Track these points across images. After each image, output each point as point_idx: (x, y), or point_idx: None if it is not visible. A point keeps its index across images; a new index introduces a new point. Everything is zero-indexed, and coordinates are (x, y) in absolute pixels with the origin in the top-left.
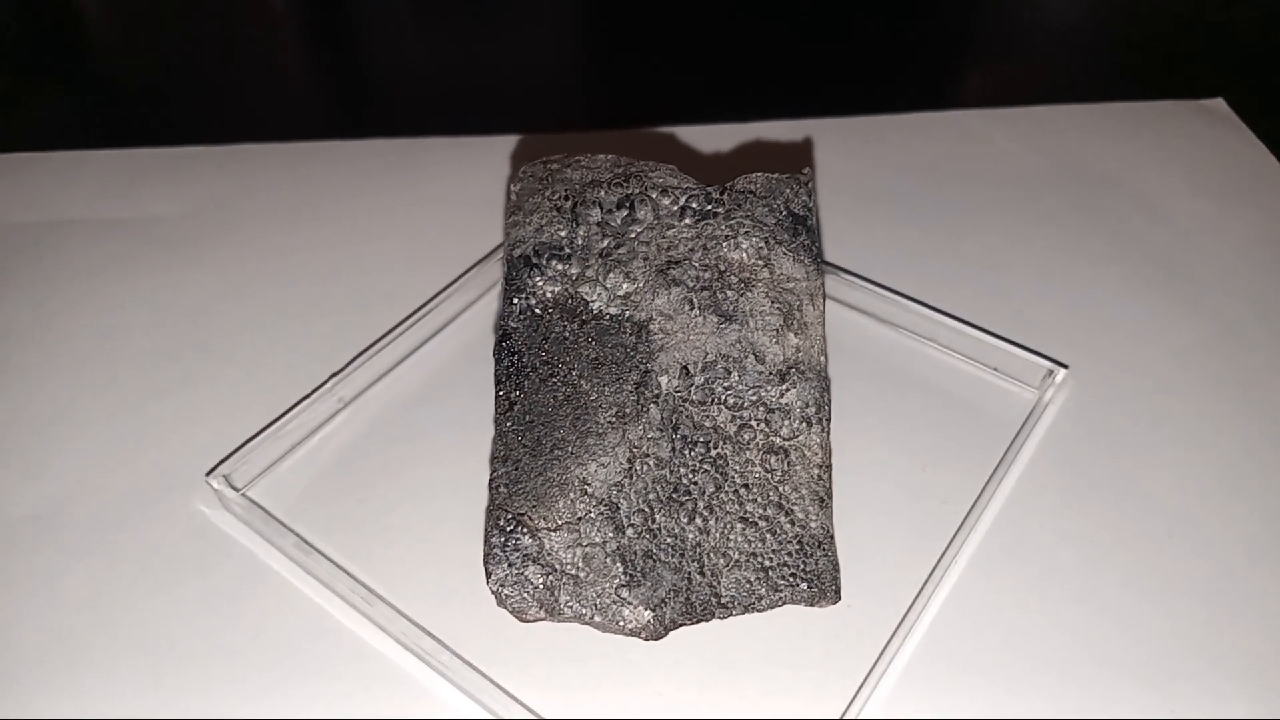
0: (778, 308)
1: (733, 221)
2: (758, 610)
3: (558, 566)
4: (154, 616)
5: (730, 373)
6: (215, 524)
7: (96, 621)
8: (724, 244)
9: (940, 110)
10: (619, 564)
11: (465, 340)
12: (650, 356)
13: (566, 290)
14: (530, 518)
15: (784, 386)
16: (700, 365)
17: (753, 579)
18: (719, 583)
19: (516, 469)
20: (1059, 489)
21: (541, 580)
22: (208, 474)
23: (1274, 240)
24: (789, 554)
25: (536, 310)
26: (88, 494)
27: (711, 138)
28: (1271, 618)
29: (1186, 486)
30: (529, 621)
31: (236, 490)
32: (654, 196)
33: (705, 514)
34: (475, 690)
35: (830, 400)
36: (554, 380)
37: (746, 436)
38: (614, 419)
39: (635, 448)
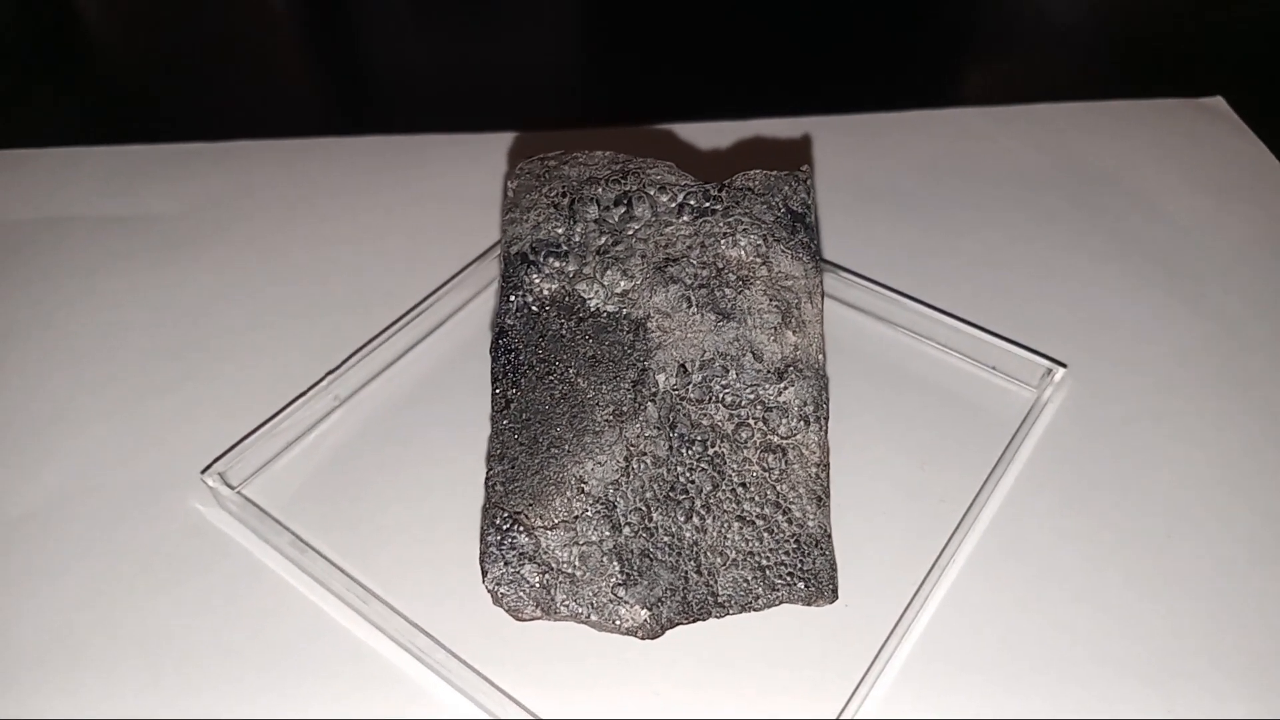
0: (776, 306)
1: (731, 219)
2: (755, 609)
3: (554, 565)
4: (149, 615)
5: (728, 371)
6: (211, 522)
7: (92, 619)
8: (722, 241)
9: (939, 108)
10: (615, 563)
11: (462, 338)
12: (648, 354)
13: (564, 287)
14: (527, 516)
15: (782, 385)
16: (698, 363)
17: (750, 578)
18: (716, 582)
19: (513, 467)
20: (1057, 488)
21: (538, 579)
22: (203, 472)
23: (1273, 238)
24: (786, 553)
25: (534, 308)
26: (83, 492)
27: (710, 135)
28: (1271, 617)
29: (1185, 485)
30: (525, 620)
31: (232, 488)
32: (652, 194)
33: (702, 513)
34: (471, 689)
35: (828, 399)
36: (551, 378)
37: (744, 435)
38: (611, 417)
39: (632, 446)
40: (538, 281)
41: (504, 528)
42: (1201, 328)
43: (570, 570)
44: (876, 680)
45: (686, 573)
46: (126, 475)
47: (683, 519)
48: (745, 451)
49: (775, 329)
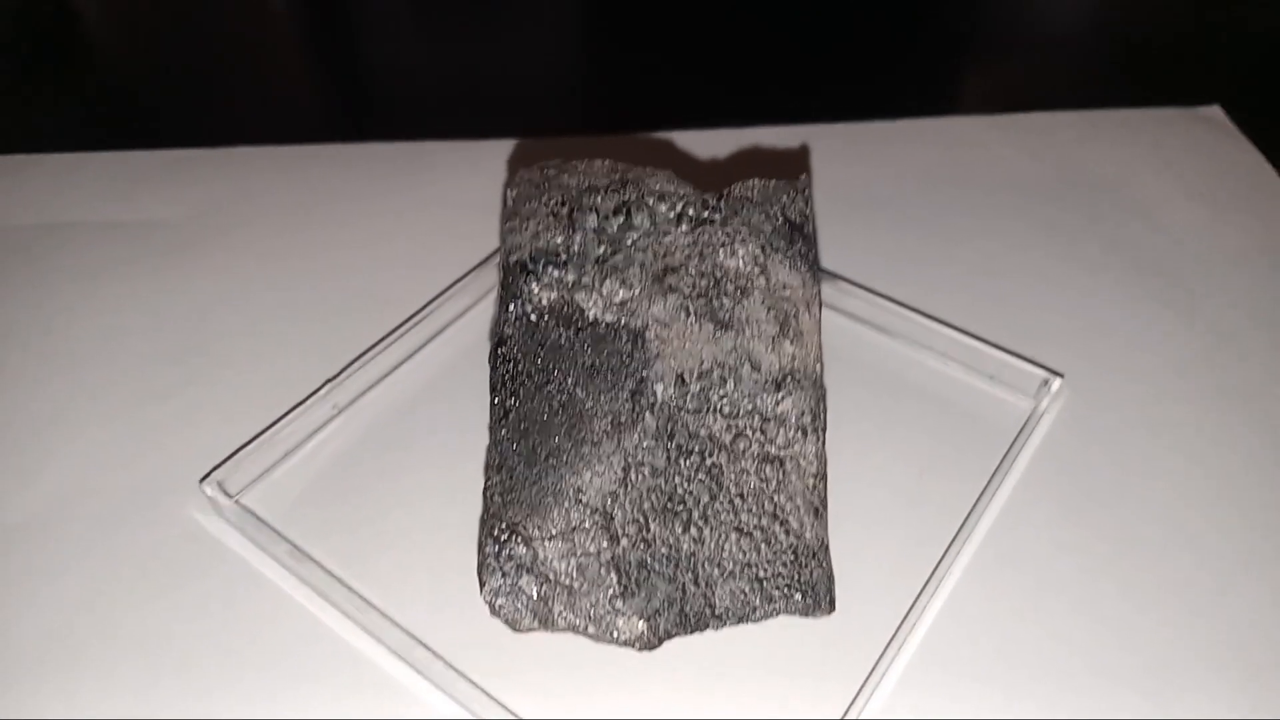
0: (774, 316)
1: (729, 228)
2: (752, 621)
3: (552, 576)
4: (147, 624)
5: (726, 381)
6: (209, 531)
7: (89, 627)
8: (720, 251)
9: (936, 116)
10: (613, 574)
11: (461, 346)
12: (646, 364)
13: (563, 297)
14: (524, 527)
15: (779, 395)
16: (696, 373)
17: (747, 589)
18: (713, 593)
19: (511, 477)
20: (1055, 498)
21: (535, 590)
22: (202, 480)
23: (1270, 248)
24: (784, 564)
25: (532, 317)
26: (81, 499)
27: (708, 143)
28: (1269, 628)
29: (1183, 495)
30: (523, 631)
31: (230, 497)
32: (651, 203)
33: (700, 524)
34: (469, 700)
35: (826, 409)
36: (549, 388)
37: (742, 446)
38: (609, 427)
39: (630, 456)
40: (536, 291)
41: (502, 539)
42: (1199, 338)
43: (568, 581)
44: (874, 691)
45: (684, 584)
46: (125, 482)
47: (680, 530)
48: (743, 462)
49: (773, 339)
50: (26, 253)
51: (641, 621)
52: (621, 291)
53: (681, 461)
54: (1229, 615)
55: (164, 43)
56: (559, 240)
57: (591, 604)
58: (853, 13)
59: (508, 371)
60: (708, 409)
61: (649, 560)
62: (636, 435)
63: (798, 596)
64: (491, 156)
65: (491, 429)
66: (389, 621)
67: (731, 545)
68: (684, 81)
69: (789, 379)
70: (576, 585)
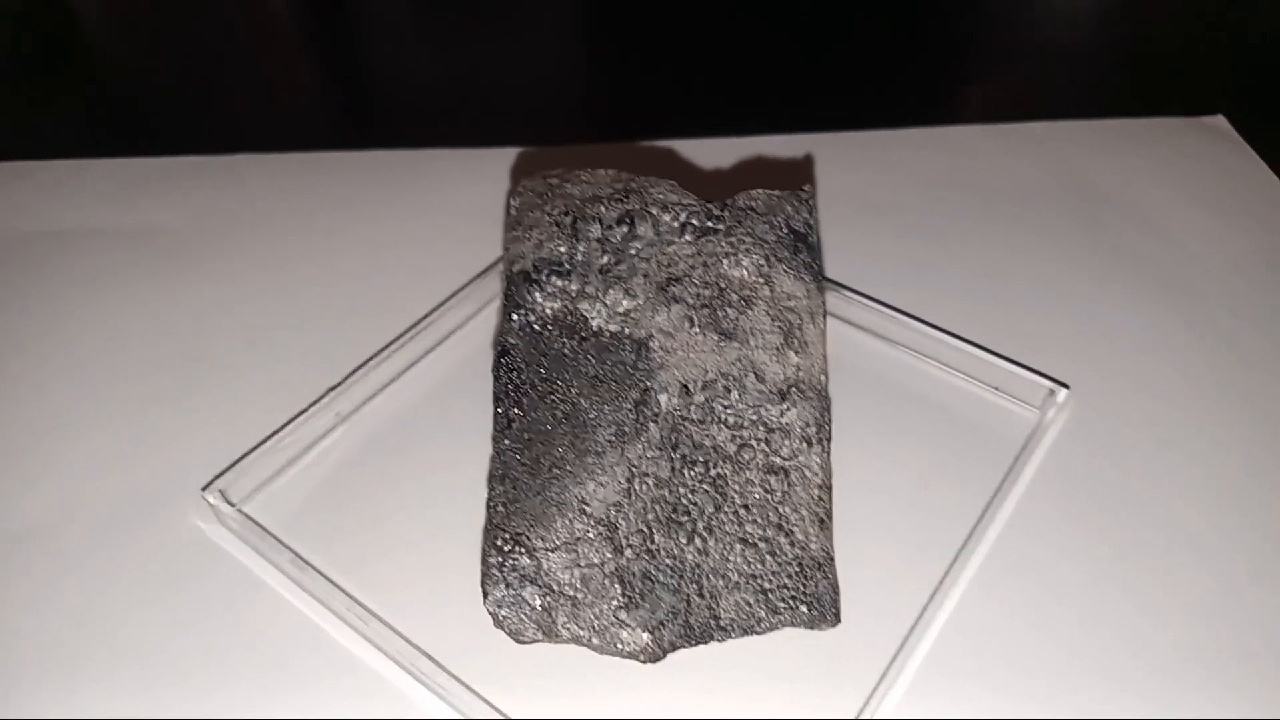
0: (778, 326)
1: (733, 238)
2: (757, 633)
3: (555, 587)
4: (149, 631)
5: (730, 391)
6: (211, 539)
7: (91, 636)
8: (724, 261)
9: (941, 125)
10: (617, 585)
11: (464, 355)
12: (650, 374)
13: (566, 307)
14: (528, 537)
15: (784, 405)
16: (700, 384)
17: (752, 601)
18: (718, 605)
19: (515, 488)
20: (1061, 509)
21: (539, 601)
22: (204, 488)
23: (1275, 257)
24: (789, 576)
25: (536, 327)
26: (83, 506)
27: (712, 152)
28: (1276, 635)
29: (1189, 505)
30: (526, 643)
31: (232, 505)
32: (654, 213)
33: (704, 535)
34: (471, 711)
35: (831, 420)
36: (553, 398)
37: (746, 456)
38: (613, 438)
39: (634, 467)
40: (540, 300)
41: (505, 549)
42: (1204, 346)
43: (572, 593)
44: (881, 703)
45: (689, 595)
46: (127, 489)
47: (685, 541)
48: (747, 473)
49: (778, 349)
50: (28, 258)
51: (645, 633)
52: (625, 301)
53: (686, 472)
54: (1237, 624)
55: (166, 49)
56: (562, 249)
57: (595, 615)
58: (856, 22)
59: (511, 381)
60: (712, 419)
61: (653, 571)
62: (640, 445)
63: (803, 608)
64: (494, 165)
65: (495, 439)
66: (391, 630)
67: (736, 556)
68: (688, 90)
69: (794, 389)
70: (580, 596)
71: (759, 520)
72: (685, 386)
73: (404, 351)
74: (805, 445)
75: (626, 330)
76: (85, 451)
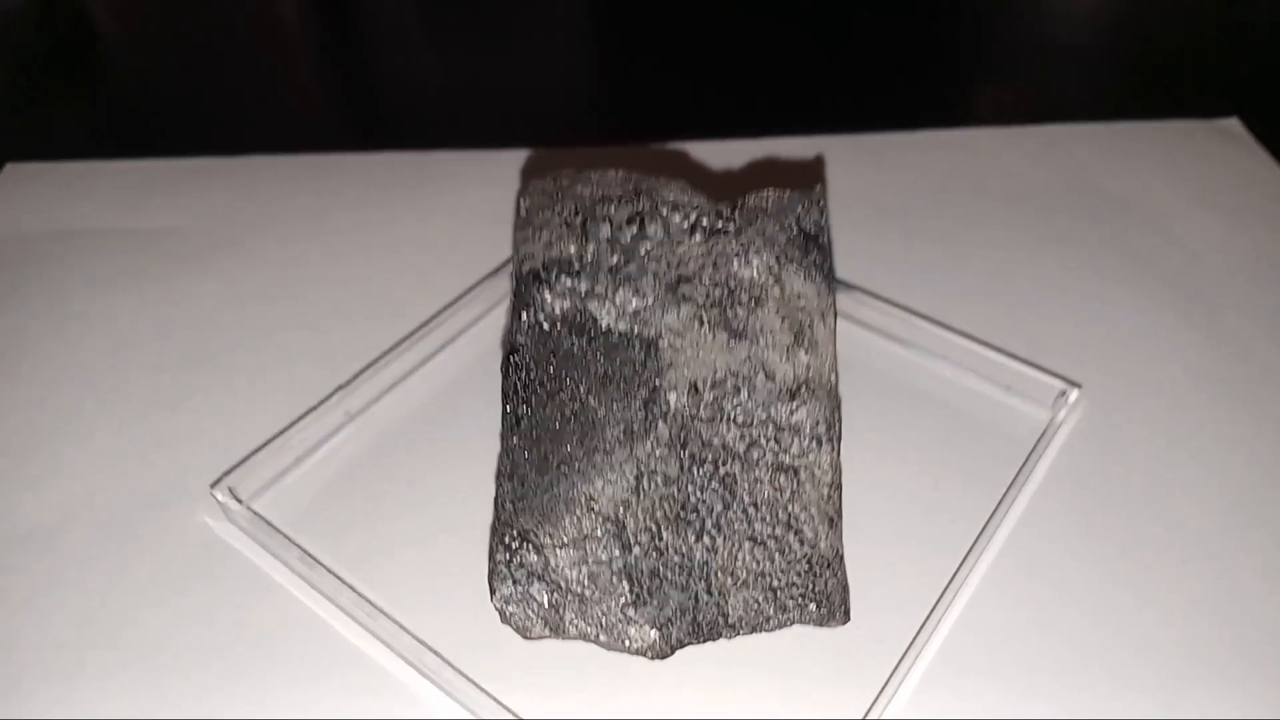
0: (788, 325)
1: (743, 238)
2: (765, 630)
3: (563, 584)
4: (158, 628)
5: (740, 390)
6: (220, 536)
7: (100, 633)
8: (734, 261)
9: (952, 128)
10: (625, 582)
11: (473, 354)
12: (659, 373)
13: (575, 306)
14: (536, 534)
15: (794, 404)
16: (709, 383)
17: (761, 599)
18: (726, 602)
19: (523, 485)
20: (1072, 510)
21: (546, 598)
22: (212, 486)
23: None
24: (798, 574)
25: (545, 326)
26: (92, 505)
27: (722, 154)
28: None
29: (1201, 507)
30: (534, 639)
31: (241, 503)
32: (664, 213)
33: (713, 532)
34: (479, 707)
35: (841, 419)
36: (562, 396)
37: (755, 455)
38: (622, 436)
39: (643, 465)
40: (549, 300)
41: (513, 546)
42: (1216, 350)
43: (579, 590)
44: (890, 702)
45: (697, 593)
46: (135, 488)
47: (693, 538)
48: (757, 471)
49: (788, 349)
50: (38, 260)
51: (653, 630)
52: (635, 300)
53: (694, 470)
54: (1248, 626)
55: (176, 53)
56: (572, 249)
57: (603, 612)
58: (867, 24)
59: (520, 380)
60: (721, 418)
61: (661, 569)
62: (649, 444)
63: (812, 606)
64: (504, 166)
65: (503, 437)
66: (400, 628)
67: (745, 554)
68: (698, 91)
69: (804, 388)
70: (588, 593)
71: (768, 518)
72: (694, 385)
73: (413, 350)
74: (815, 444)
75: (635, 329)
76: (94, 450)
